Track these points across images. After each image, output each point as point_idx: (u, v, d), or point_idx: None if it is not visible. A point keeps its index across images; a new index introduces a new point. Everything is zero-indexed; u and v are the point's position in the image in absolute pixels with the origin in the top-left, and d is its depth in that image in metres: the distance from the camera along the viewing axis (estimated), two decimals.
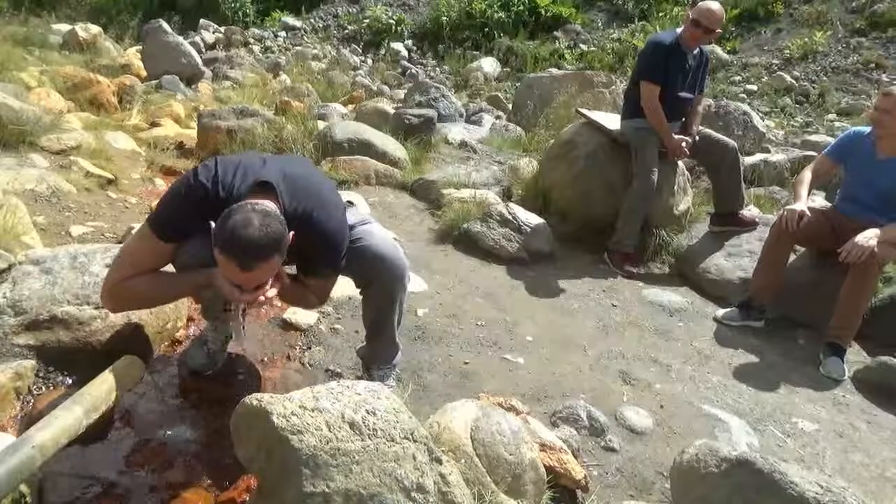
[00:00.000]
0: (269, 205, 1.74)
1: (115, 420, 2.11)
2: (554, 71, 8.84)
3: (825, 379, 2.98)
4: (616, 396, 2.55)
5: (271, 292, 1.86)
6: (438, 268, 3.58)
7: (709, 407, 2.57)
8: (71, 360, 2.27)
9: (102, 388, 1.61)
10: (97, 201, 3.75)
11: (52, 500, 1.75)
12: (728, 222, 4.06)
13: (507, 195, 4.64)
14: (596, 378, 2.68)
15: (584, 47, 11.90)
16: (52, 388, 2.22)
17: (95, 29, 10.95)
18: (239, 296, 1.82)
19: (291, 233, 1.77)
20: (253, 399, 1.45)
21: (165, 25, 9.43)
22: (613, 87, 7.25)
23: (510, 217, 3.90)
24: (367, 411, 1.46)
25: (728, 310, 3.45)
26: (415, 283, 3.27)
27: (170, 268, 2.02)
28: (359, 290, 2.21)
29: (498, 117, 8.20)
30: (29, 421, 1.89)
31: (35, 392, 2.19)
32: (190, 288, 2.03)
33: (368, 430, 1.43)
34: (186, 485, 1.90)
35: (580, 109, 4.66)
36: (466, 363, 2.65)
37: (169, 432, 2.09)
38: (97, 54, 9.82)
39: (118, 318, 2.33)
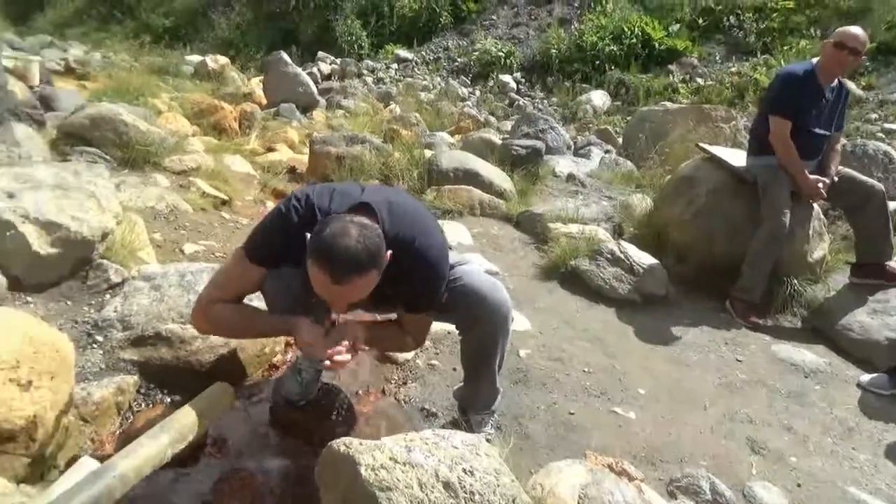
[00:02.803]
0: (367, 220, 1.65)
1: (207, 445, 2.06)
2: (668, 104, 8.48)
3: None
4: (743, 467, 2.26)
5: (345, 356, 1.78)
6: (543, 306, 3.39)
7: (856, 490, 2.22)
8: (171, 379, 2.27)
9: (190, 417, 1.54)
10: (211, 221, 3.84)
11: None
12: (872, 274, 3.62)
13: (618, 232, 4.39)
14: (719, 443, 2.39)
15: (700, 81, 11.40)
16: (151, 405, 2.21)
17: (223, 60, 11.68)
18: (320, 351, 1.77)
19: (389, 252, 1.66)
20: (341, 445, 1.33)
21: (286, 57, 9.87)
22: (733, 121, 6.85)
23: (622, 256, 3.66)
24: (465, 470, 1.31)
25: (875, 375, 3.02)
26: (518, 321, 3.10)
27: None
28: (458, 332, 2.08)
29: (607, 151, 7.94)
30: (126, 439, 1.87)
31: (135, 409, 2.19)
32: (272, 332, 2.02)
33: (465, 492, 1.27)
34: None
35: (701, 144, 4.37)
36: (572, 413, 2.45)
37: (258, 464, 2.02)
38: (224, 83, 10.44)
39: (218, 340, 2.30)
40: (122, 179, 3.89)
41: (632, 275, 3.60)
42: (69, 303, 2.45)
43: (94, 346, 2.27)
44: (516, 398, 2.52)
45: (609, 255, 3.68)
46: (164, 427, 1.47)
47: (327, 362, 1.75)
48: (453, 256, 2.05)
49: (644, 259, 3.69)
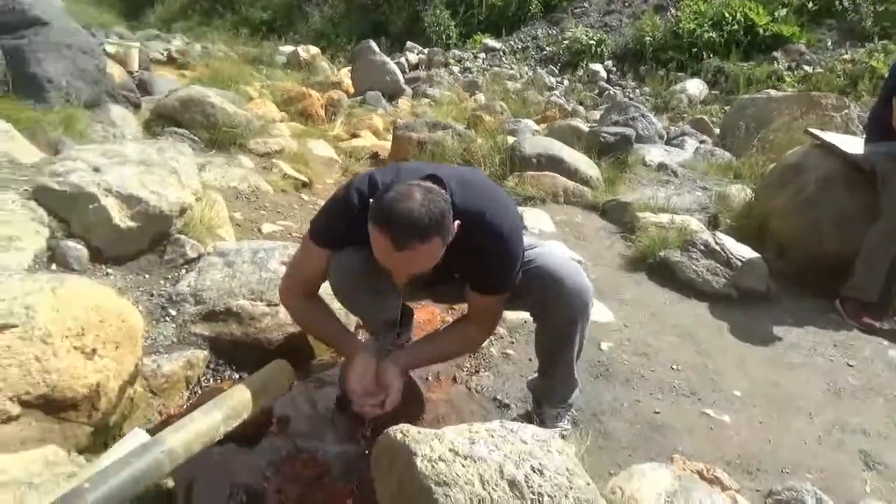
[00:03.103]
0: (435, 186, 1.53)
1: (272, 425, 2.02)
2: (772, 92, 7.92)
3: None
4: (856, 484, 1.99)
5: (374, 412, 1.72)
6: (628, 298, 3.18)
7: None
8: (240, 355, 2.24)
9: (245, 395, 1.48)
10: (290, 202, 3.85)
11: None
12: None
13: (713, 224, 4.09)
14: (826, 455, 2.13)
15: (808, 69, 10.62)
16: (220, 381, 2.19)
17: (315, 50, 11.93)
18: (360, 399, 1.71)
19: (457, 223, 1.54)
20: (398, 432, 1.22)
21: (374, 45, 9.94)
22: (846, 110, 6.30)
23: (717, 247, 3.38)
24: (534, 468, 1.17)
25: None
26: (600, 313, 2.91)
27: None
28: (533, 319, 1.93)
29: (702, 142, 7.50)
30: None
31: (203, 384, 2.18)
32: (334, 345, 2.02)
33: (532, 493, 1.13)
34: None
35: (811, 129, 3.99)
36: (657, 413, 2.25)
37: (320, 446, 1.95)
38: (314, 72, 10.64)
39: (287, 318, 2.26)
40: (208, 160, 3.96)
41: (728, 268, 3.32)
42: (146, 276, 2.47)
43: (167, 319, 2.27)
44: (596, 393, 2.34)
45: (703, 247, 3.41)
46: (217, 403, 1.41)
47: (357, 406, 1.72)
48: (528, 239, 1.91)
49: (742, 252, 3.39)
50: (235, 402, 1.42)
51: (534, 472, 1.18)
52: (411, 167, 1.80)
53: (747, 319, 3.10)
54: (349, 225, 1.68)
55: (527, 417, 2.13)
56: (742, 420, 2.28)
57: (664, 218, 3.81)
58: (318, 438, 1.99)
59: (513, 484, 1.14)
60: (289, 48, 12.57)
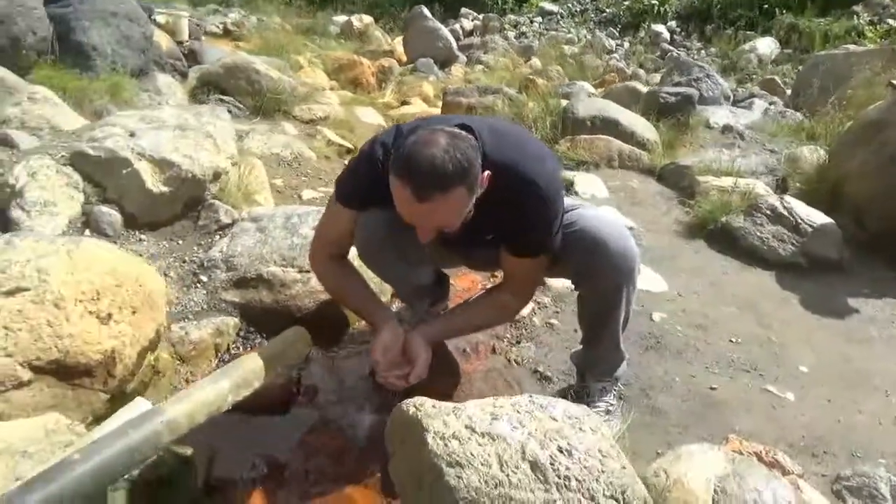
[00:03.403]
0: (462, 132, 1.38)
1: (300, 395, 1.95)
2: (851, 47, 7.35)
3: None
4: None
5: (399, 384, 1.61)
6: (685, 266, 2.97)
7: None
8: (270, 323, 2.17)
9: (257, 362, 1.39)
10: (333, 168, 3.76)
11: (217, 472, 1.61)
12: None
13: (781, 187, 3.80)
14: None
15: (892, 22, 9.84)
16: (249, 349, 2.14)
17: (368, 19, 11.78)
18: (384, 371, 1.62)
19: (487, 173, 1.41)
20: (411, 406, 1.11)
21: (426, 11, 9.74)
22: None
23: (785, 212, 3.12)
24: (561, 449, 1.03)
25: None
26: (653, 282, 2.72)
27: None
28: (574, 287, 1.77)
29: (772, 103, 7.04)
30: None
31: (233, 351, 2.12)
32: (361, 314, 1.87)
33: (558, 476, 1.00)
34: (354, 479, 1.64)
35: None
36: (713, 388, 2.07)
37: (349, 417, 1.87)
38: (367, 42, 10.52)
39: (318, 285, 2.17)
40: (251, 127, 3.91)
41: (797, 234, 3.06)
42: (180, 242, 2.43)
43: (198, 286, 2.23)
44: (646, 367, 2.18)
45: (769, 212, 3.15)
46: (226, 371, 1.33)
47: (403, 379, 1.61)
48: (570, 200, 1.75)
49: (813, 217, 3.12)
50: (246, 370, 1.34)
51: (561, 452, 1.05)
52: (440, 117, 1.67)
53: (817, 290, 2.85)
54: (374, 182, 1.56)
55: (571, 392, 1.99)
56: (808, 398, 2.08)
57: (727, 181, 3.55)
58: (347, 410, 1.90)
59: (535, 466, 1.01)
60: (342, 18, 12.47)
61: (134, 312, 1.61)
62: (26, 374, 1.40)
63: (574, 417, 1.14)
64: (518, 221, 1.52)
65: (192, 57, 5.34)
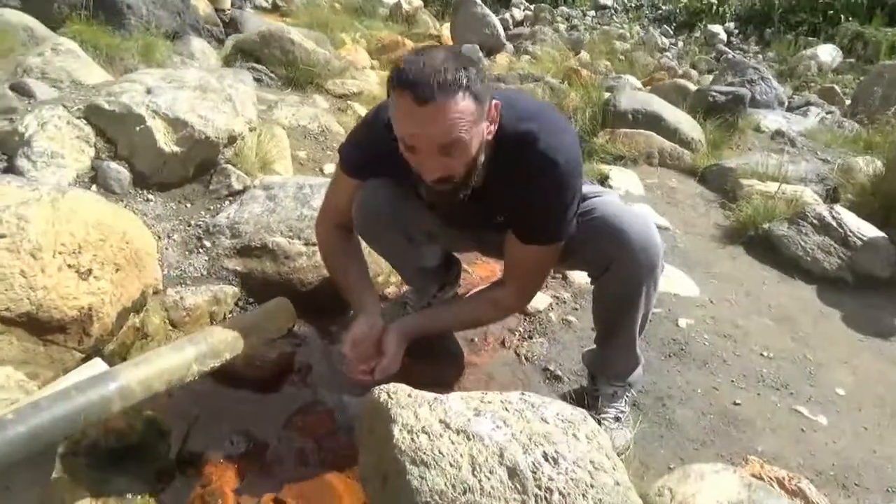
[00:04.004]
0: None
1: (294, 373, 1.84)
2: None
3: None
4: None
5: (379, 370, 1.45)
6: (719, 272, 2.78)
7: None
8: (271, 295, 2.05)
9: (229, 333, 1.28)
10: None
11: (194, 446, 1.52)
12: None
13: (831, 197, 3.56)
14: None
15: None
16: None
17: (417, 2, 11.63)
18: (351, 366, 1.47)
19: (496, 102, 1.29)
20: (383, 392, 0.98)
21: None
22: None
23: (833, 223, 2.90)
24: (546, 456, 0.90)
25: None
26: (683, 285, 2.56)
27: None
28: (590, 280, 1.62)
29: (829, 112, 6.70)
30: None
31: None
32: (347, 298, 1.69)
33: (538, 487, 0.87)
34: (337, 465, 1.53)
35: None
36: (737, 404, 1.91)
37: (340, 399, 1.76)
38: (414, 25, 10.39)
39: None
40: (281, 97, 3.82)
41: (845, 247, 2.84)
42: (188, 205, 2.35)
43: (201, 251, 2.14)
44: (666, 374, 2.02)
45: (816, 221, 2.93)
46: (193, 339, 1.23)
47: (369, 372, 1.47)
48: (590, 186, 1.61)
49: (864, 230, 2.89)
50: (216, 340, 1.24)
51: (546, 460, 0.91)
52: None
53: (862, 308, 2.64)
54: (378, 148, 1.44)
55: (580, 394, 1.85)
56: (843, 423, 1.90)
57: (772, 186, 3.33)
58: (340, 392, 1.79)
59: (513, 472, 0.88)
60: (392, 0, 12.38)
61: (117, 270, 1.52)
62: None
63: (567, 422, 1.00)
64: (529, 199, 1.38)
65: (233, 25, 5.29)
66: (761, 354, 2.19)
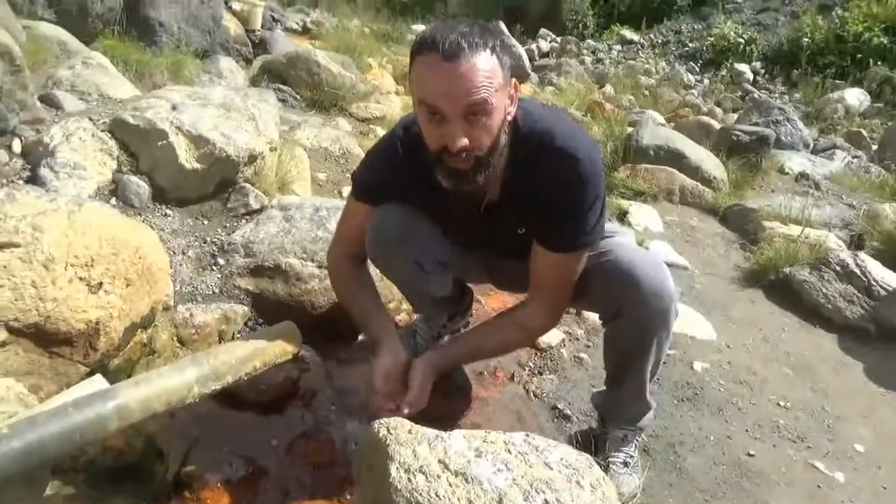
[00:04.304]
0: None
1: (298, 397, 1.82)
2: None
3: None
4: None
5: (405, 403, 1.39)
6: (738, 316, 2.73)
7: None
8: (281, 317, 2.04)
9: (234, 355, 1.26)
10: None
11: (192, 468, 1.50)
12: None
13: (856, 244, 3.50)
14: None
15: None
16: None
17: None
18: (379, 402, 1.41)
19: (515, 80, 1.26)
20: (382, 427, 0.96)
21: (502, 26, 9.63)
22: None
23: (857, 270, 2.84)
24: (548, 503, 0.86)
25: None
26: (700, 328, 2.51)
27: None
28: (601, 322, 1.59)
29: (856, 156, 6.63)
30: None
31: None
32: (362, 329, 1.67)
33: None
34: (335, 495, 1.50)
35: None
36: (751, 455, 1.85)
37: (344, 427, 1.73)
38: None
39: None
40: (305, 118, 3.86)
41: (868, 296, 2.78)
42: (205, 222, 2.36)
43: (214, 268, 2.14)
44: (678, 420, 1.97)
45: (839, 268, 2.88)
46: (195, 360, 1.21)
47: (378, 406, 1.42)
48: (609, 225, 1.58)
49: (889, 280, 2.83)
50: (219, 361, 1.22)
51: None
52: None
53: (885, 360, 2.56)
54: (392, 169, 1.44)
55: (589, 435, 1.81)
56: (861, 481, 1.83)
57: (795, 230, 3.29)
58: (345, 418, 1.77)
59: None
60: (420, 27, 12.55)
61: (128, 285, 1.51)
62: (2, 335, 1.32)
63: (572, 468, 0.97)
64: (552, 201, 1.34)
65: (262, 46, 5.38)
66: (778, 404, 2.14)
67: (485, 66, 1.16)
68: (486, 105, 1.18)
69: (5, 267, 1.34)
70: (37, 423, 0.94)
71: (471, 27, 1.17)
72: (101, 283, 1.46)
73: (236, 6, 5.37)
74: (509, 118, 1.28)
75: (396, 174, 1.43)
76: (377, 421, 1.03)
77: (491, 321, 1.67)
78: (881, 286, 2.79)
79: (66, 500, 1.14)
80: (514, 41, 9.74)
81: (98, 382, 1.13)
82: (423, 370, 1.46)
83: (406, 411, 1.36)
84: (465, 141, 1.20)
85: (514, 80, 1.27)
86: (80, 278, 1.44)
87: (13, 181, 2.08)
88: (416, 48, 1.20)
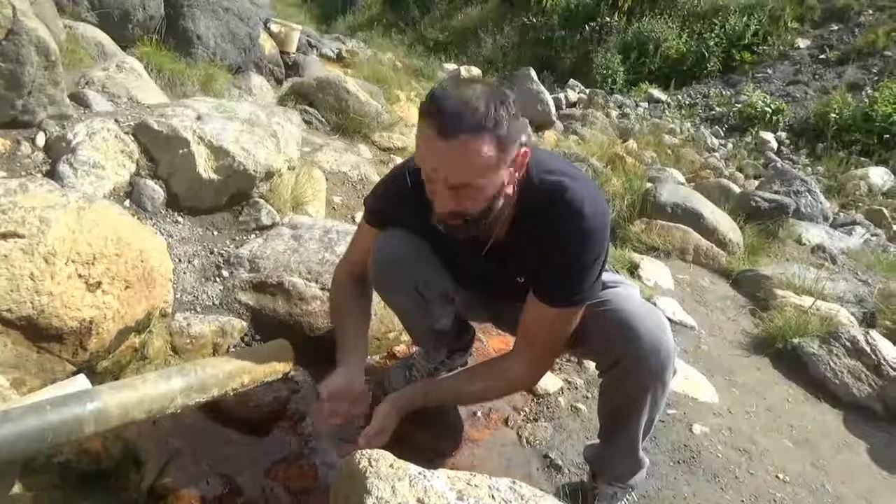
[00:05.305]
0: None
1: (286, 418, 1.79)
2: None
3: None
4: None
5: (364, 440, 1.38)
6: (742, 382, 2.67)
7: None
8: (278, 334, 2.01)
9: (220, 369, 1.24)
10: None
11: (167, 479, 1.46)
12: None
13: (868, 321, 3.43)
14: None
15: None
16: None
17: (476, 71, 11.94)
18: (320, 418, 1.43)
19: (525, 149, 1.23)
20: (363, 458, 0.92)
21: (533, 74, 9.77)
22: None
23: (867, 348, 2.78)
24: None
25: None
26: (702, 389, 2.45)
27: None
28: (598, 373, 1.55)
29: (875, 234, 6.58)
30: None
31: None
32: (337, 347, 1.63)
33: None
34: None
35: None
36: None
37: (327, 455, 1.69)
38: None
39: None
40: (327, 142, 3.89)
41: (877, 375, 2.71)
42: (215, 232, 2.36)
43: (217, 279, 2.13)
44: (672, 482, 1.91)
45: (849, 343, 2.82)
46: (182, 370, 1.19)
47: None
48: (612, 275, 1.56)
49: None
50: (206, 374, 1.20)
51: None
52: None
53: (889, 443, 2.48)
54: (400, 198, 1.45)
55: (577, 489, 1.75)
56: None
57: (807, 301, 3.23)
58: (330, 446, 1.73)
59: None
60: (452, 66, 12.74)
61: (127, 287, 1.51)
62: None
63: None
64: (553, 252, 1.32)
65: (294, 68, 5.45)
66: (777, 477, 2.07)
67: (479, 149, 1.15)
68: (471, 187, 1.19)
69: (6, 256, 1.34)
70: (9, 419, 0.92)
71: (478, 98, 1.14)
72: (99, 283, 1.45)
73: (274, 28, 5.47)
74: (508, 191, 1.27)
75: (404, 205, 1.43)
76: (359, 451, 1.00)
77: (473, 368, 1.66)
78: (891, 366, 2.72)
79: (32, 501, 1.11)
80: (542, 87, 9.83)
81: (80, 382, 1.11)
82: (387, 411, 1.45)
83: (362, 446, 1.34)
84: (450, 206, 1.22)
85: (523, 150, 1.25)
86: (80, 275, 1.43)
87: (31, 173, 2.10)
88: (421, 109, 1.19)
